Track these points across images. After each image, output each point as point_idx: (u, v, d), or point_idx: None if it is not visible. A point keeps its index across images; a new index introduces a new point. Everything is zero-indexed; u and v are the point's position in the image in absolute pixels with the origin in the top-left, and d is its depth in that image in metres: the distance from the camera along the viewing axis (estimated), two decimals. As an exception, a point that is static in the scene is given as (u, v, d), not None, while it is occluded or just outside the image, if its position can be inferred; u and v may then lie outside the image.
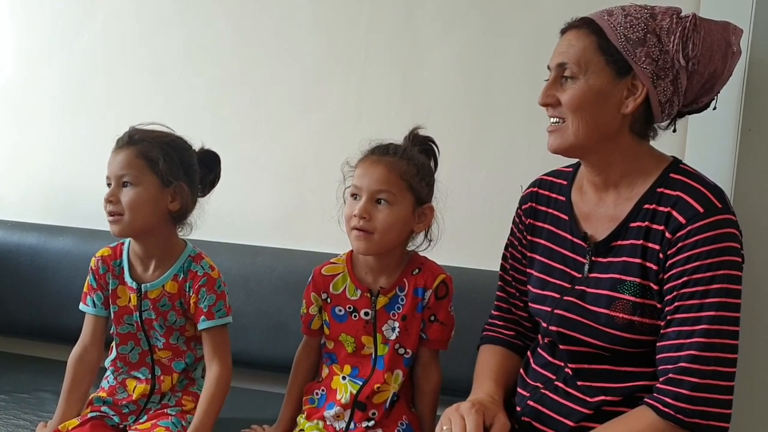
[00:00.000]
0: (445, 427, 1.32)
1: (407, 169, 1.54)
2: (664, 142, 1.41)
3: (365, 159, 1.56)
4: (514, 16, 1.99)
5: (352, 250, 1.62)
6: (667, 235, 1.28)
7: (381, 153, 1.56)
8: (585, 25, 1.34)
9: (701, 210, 1.26)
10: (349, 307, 1.60)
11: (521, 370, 1.49)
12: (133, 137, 1.61)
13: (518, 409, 1.44)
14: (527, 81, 1.97)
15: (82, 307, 1.70)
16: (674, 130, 1.41)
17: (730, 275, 1.24)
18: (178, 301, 1.64)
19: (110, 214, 1.59)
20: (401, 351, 1.59)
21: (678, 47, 1.29)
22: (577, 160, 1.48)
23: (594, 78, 1.31)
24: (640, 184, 1.35)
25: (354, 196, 1.54)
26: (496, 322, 1.59)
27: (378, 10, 2.09)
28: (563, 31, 1.38)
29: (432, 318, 1.59)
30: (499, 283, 1.59)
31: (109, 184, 1.61)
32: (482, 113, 2.03)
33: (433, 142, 1.64)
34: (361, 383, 1.57)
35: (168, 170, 1.60)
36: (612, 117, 1.32)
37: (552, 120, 1.36)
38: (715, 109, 1.41)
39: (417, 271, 1.59)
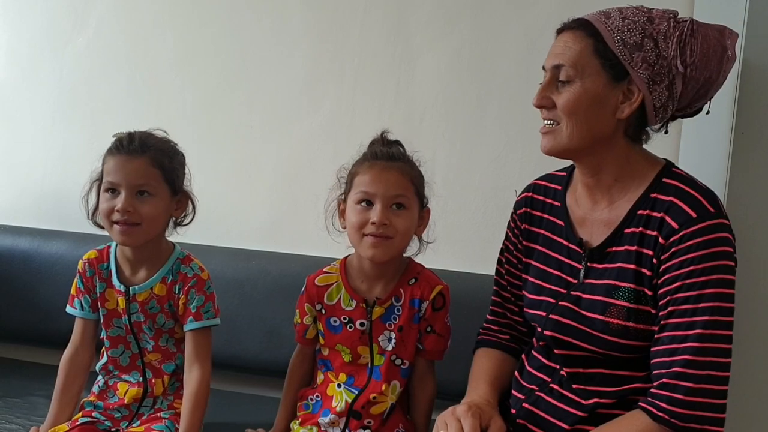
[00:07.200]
0: None
1: (414, 173, 1.54)
2: (658, 145, 1.41)
3: (373, 165, 1.52)
4: (506, 20, 1.99)
5: (345, 259, 1.61)
6: (661, 240, 1.28)
7: (387, 158, 1.53)
8: (582, 26, 1.32)
9: (694, 215, 1.26)
10: (344, 318, 1.58)
11: (516, 373, 1.49)
12: (145, 143, 1.56)
13: (513, 411, 1.43)
14: (520, 84, 1.97)
15: (69, 309, 1.68)
16: (666, 132, 1.40)
17: (723, 279, 1.24)
18: (167, 303, 1.63)
19: (124, 223, 1.54)
20: (398, 362, 1.57)
21: (675, 53, 1.27)
22: (571, 163, 1.48)
23: (590, 82, 1.29)
24: (634, 188, 1.35)
25: (363, 202, 1.51)
26: (492, 326, 1.59)
27: (371, 14, 2.09)
28: (559, 32, 1.36)
29: (428, 329, 1.58)
30: (495, 287, 1.59)
31: (111, 190, 1.56)
32: (475, 117, 2.03)
33: (401, 145, 1.60)
34: (356, 392, 1.56)
35: (178, 179, 1.60)
36: (607, 121, 1.31)
37: (546, 122, 1.35)
38: (708, 113, 1.40)
39: (414, 280, 1.58)
